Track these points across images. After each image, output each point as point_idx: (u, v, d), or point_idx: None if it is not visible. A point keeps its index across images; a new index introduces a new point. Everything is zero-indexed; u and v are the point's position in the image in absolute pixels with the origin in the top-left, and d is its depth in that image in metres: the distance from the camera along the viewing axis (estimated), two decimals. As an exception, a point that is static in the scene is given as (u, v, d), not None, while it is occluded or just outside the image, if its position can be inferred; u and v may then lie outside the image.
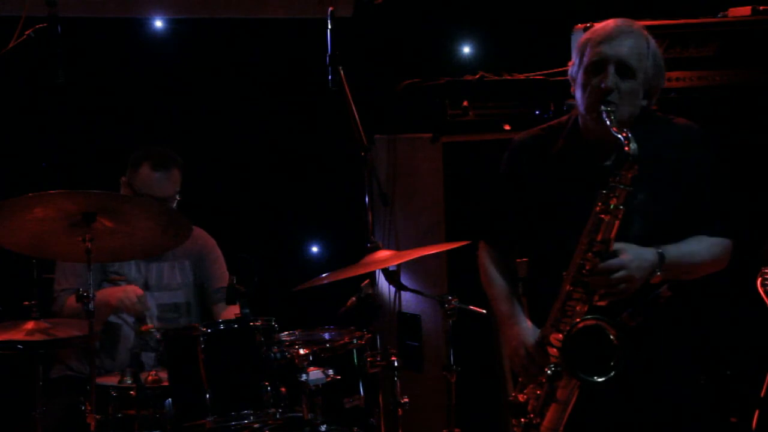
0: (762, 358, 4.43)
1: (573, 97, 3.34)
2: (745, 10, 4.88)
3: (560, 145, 3.35)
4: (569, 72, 3.33)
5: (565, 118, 3.42)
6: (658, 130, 3.24)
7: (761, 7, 4.87)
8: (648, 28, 3.31)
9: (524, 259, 3.54)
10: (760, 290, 4.33)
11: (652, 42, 3.26)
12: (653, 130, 3.20)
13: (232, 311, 4.25)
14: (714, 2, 5.02)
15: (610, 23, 3.26)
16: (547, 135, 3.41)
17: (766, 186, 4.78)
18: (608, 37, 3.20)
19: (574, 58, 3.30)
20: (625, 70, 3.18)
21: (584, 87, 3.23)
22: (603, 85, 3.16)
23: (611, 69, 3.17)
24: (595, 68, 3.20)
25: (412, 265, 4.87)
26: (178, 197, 4.42)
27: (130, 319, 4.35)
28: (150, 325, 4.04)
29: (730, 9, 4.92)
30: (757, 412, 4.32)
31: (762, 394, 4.31)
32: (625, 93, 3.18)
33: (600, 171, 3.23)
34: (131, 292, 4.22)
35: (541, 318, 3.30)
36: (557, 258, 3.24)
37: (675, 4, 5.05)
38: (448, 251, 4.50)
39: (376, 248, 4.05)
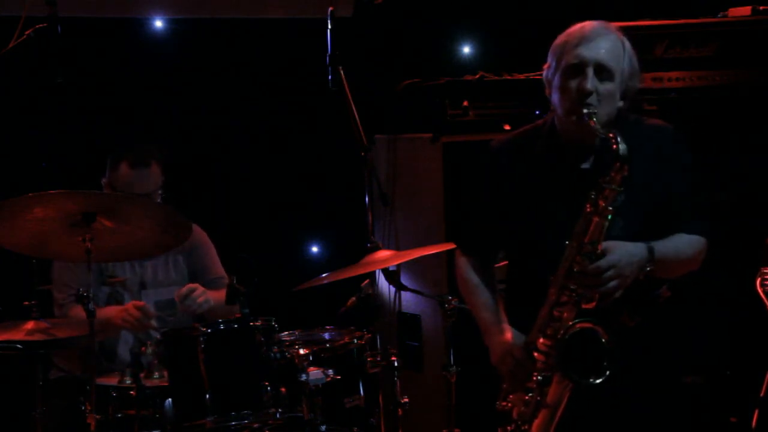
0: (762, 358, 4.43)
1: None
2: (745, 10, 4.89)
3: (538, 148, 3.34)
4: (544, 75, 3.30)
5: (541, 121, 3.40)
6: (632, 132, 3.22)
7: (761, 7, 4.87)
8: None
9: (503, 263, 3.53)
10: (759, 290, 4.34)
11: (627, 43, 3.26)
12: (628, 132, 3.18)
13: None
14: (714, 2, 5.03)
15: (586, 25, 3.25)
16: (525, 139, 3.39)
17: (766, 186, 4.78)
18: (585, 40, 3.20)
19: (550, 60, 3.28)
20: (603, 72, 3.17)
21: (562, 90, 3.21)
22: (583, 88, 3.16)
23: (590, 71, 3.17)
24: (573, 71, 3.19)
25: (412, 265, 4.87)
26: (161, 192, 4.42)
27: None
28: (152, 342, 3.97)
29: (730, 9, 4.93)
30: (756, 412, 4.32)
31: (762, 394, 4.31)
32: (604, 95, 3.17)
33: (578, 174, 3.24)
34: (132, 309, 4.18)
35: (520, 322, 3.30)
36: (536, 261, 3.25)
37: (675, 4, 5.05)
38: (448, 251, 4.50)
39: (376, 248, 4.05)
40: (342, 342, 4.02)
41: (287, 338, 4.02)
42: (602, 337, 3.08)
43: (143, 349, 3.86)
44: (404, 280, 4.62)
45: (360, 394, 4.02)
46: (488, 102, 5.14)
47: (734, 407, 4.72)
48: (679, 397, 3.39)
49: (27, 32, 3.84)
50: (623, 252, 3.09)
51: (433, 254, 4.24)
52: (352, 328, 4.11)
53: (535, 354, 3.20)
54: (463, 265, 3.50)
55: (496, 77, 5.19)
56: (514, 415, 3.26)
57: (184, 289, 4.27)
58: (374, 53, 5.64)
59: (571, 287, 3.12)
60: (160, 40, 5.63)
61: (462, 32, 6.04)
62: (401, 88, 5.31)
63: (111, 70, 5.47)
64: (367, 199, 4.27)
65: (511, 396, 3.29)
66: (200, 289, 4.28)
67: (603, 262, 3.08)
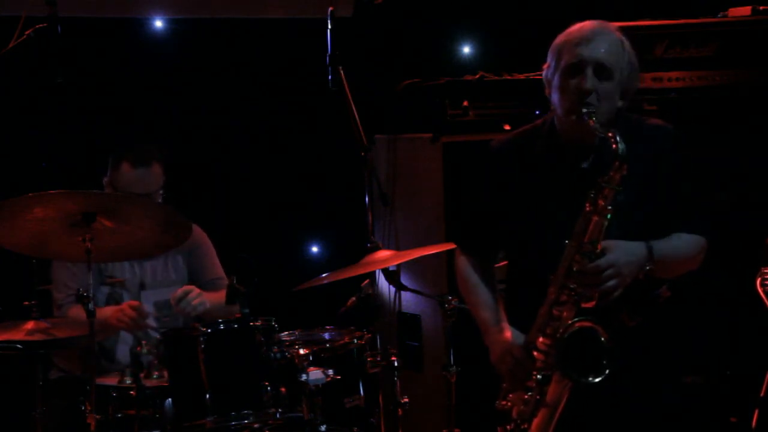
0: (762, 358, 4.43)
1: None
2: (745, 10, 4.89)
3: (538, 148, 3.34)
4: (544, 75, 3.31)
5: (540, 121, 3.41)
6: (632, 131, 3.22)
7: (761, 7, 4.88)
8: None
9: (503, 263, 3.53)
10: (760, 290, 4.34)
11: (627, 43, 3.26)
12: (628, 131, 3.18)
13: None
14: (714, 2, 5.03)
15: (586, 25, 3.26)
16: (524, 139, 3.40)
17: (766, 186, 4.78)
18: (585, 39, 3.20)
19: (550, 60, 3.28)
20: (602, 71, 3.18)
21: (562, 89, 3.22)
22: (582, 87, 3.16)
23: (589, 71, 3.17)
24: (573, 70, 3.19)
25: (412, 265, 4.87)
26: (161, 192, 4.42)
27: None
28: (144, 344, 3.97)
29: (730, 9, 4.93)
30: (756, 412, 4.32)
31: (762, 394, 4.31)
32: (604, 94, 3.18)
33: (577, 173, 3.24)
34: (127, 309, 4.17)
35: (520, 321, 3.30)
36: (536, 261, 3.25)
37: (675, 4, 5.06)
38: (448, 251, 4.50)
39: (376, 248, 4.05)
40: (342, 342, 4.02)
41: (287, 338, 4.02)
42: (601, 336, 3.08)
43: (138, 348, 3.86)
44: (404, 280, 4.62)
45: (360, 394, 4.02)
46: (488, 102, 5.14)
47: (734, 407, 4.72)
48: (679, 397, 3.39)
49: (27, 32, 3.85)
50: (622, 251, 3.10)
51: (433, 254, 4.24)
52: (352, 328, 4.11)
53: (535, 353, 3.20)
54: (463, 264, 3.50)
55: (496, 77, 5.19)
56: (514, 414, 3.26)
57: (180, 291, 4.26)
58: (374, 53, 5.64)
59: (571, 286, 3.12)
60: (160, 40, 5.63)
61: (462, 32, 6.04)
62: (401, 88, 5.31)
63: (111, 70, 5.47)
64: (367, 199, 4.27)
65: (510, 395, 3.29)
66: (196, 291, 4.27)
67: (602, 261, 3.08)
